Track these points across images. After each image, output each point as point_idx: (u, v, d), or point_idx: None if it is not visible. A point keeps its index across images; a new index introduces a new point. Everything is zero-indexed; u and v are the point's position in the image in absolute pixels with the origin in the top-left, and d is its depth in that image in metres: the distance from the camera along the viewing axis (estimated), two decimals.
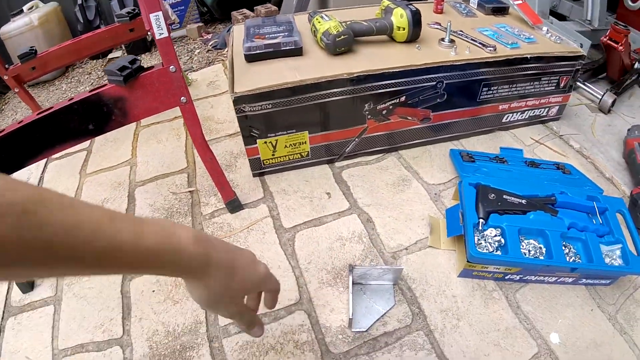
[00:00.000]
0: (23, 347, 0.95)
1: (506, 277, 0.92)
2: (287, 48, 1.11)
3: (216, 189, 1.07)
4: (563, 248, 0.88)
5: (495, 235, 0.89)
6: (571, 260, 0.88)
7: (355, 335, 0.88)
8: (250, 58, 1.11)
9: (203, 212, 1.11)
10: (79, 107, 0.85)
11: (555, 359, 0.84)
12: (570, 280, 0.92)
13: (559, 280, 0.92)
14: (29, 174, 1.34)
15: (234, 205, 1.08)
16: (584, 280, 0.93)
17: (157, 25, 0.80)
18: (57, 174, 1.31)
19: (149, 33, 1.51)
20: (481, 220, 0.90)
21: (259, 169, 1.17)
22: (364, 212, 1.09)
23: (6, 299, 1.02)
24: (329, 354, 0.86)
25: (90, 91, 0.85)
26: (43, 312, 0.99)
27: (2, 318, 0.99)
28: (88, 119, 0.87)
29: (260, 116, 1.04)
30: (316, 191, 1.14)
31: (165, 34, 0.82)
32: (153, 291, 0.97)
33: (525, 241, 0.90)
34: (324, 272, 0.97)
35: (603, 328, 0.89)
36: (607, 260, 0.89)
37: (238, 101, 1.00)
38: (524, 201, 0.93)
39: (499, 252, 0.87)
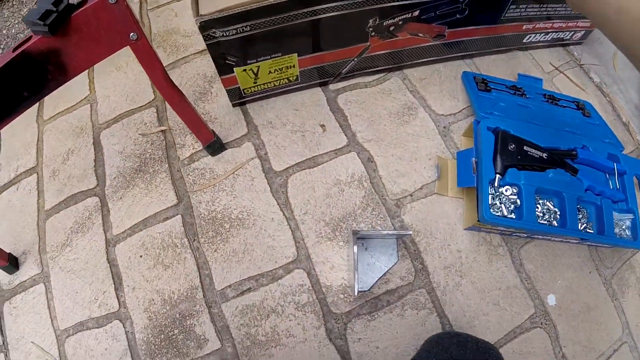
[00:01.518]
0: (26, 331, 1.00)
1: (513, 234, 0.93)
2: None
3: None
4: (577, 212, 0.88)
5: (512, 195, 0.85)
6: (583, 227, 0.89)
7: (358, 294, 0.88)
8: None
9: (180, 156, 1.05)
10: (2, 75, 0.73)
11: (549, 321, 0.90)
12: (576, 241, 0.94)
13: (564, 240, 0.95)
14: None
15: (214, 147, 1.00)
16: (589, 242, 0.94)
17: None
18: (12, 126, 1.22)
19: None
20: (498, 175, 0.85)
21: (239, 98, 1.06)
22: (364, 149, 1.01)
23: None
24: (331, 314, 0.88)
25: (13, 51, 0.72)
26: (35, 291, 1.01)
27: None
28: (19, 87, 0.76)
29: (236, 41, 0.89)
30: (308, 123, 1.05)
31: None
32: (141, 256, 0.97)
33: (541, 201, 0.88)
34: (322, 224, 0.94)
35: (597, 292, 0.93)
36: (615, 229, 0.89)
37: (206, 27, 0.84)
38: (544, 155, 0.88)
39: (512, 216, 0.84)
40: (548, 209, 0.88)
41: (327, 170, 0.98)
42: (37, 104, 1.24)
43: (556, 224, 0.86)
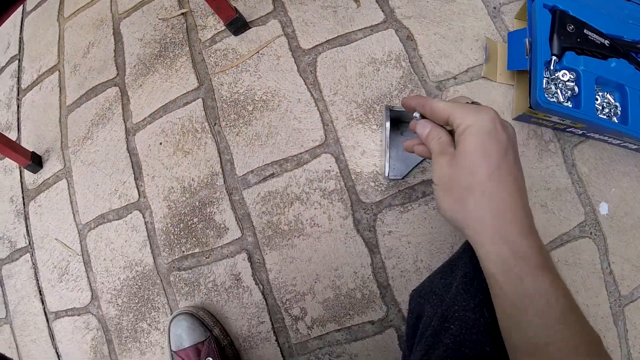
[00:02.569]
0: (50, 229, 1.08)
1: (567, 130, 0.89)
2: None
3: None
4: None
5: (569, 81, 0.81)
6: None
7: (390, 183, 0.87)
8: None
9: (201, 38, 1.06)
10: None
11: (599, 231, 0.86)
12: (635, 147, 0.90)
13: (622, 144, 0.91)
14: (7, 38, 1.34)
15: (237, 25, 1.00)
16: None
17: None
18: (35, 29, 1.31)
19: None
20: (554, 57, 0.81)
21: None
22: (404, 26, 0.97)
23: (21, 184, 1.15)
24: (360, 203, 0.87)
25: None
26: (58, 188, 1.09)
27: (24, 204, 1.13)
28: None
29: None
30: None
31: None
32: (160, 143, 1.00)
33: (600, 94, 0.85)
34: (354, 106, 0.92)
35: None
36: None
37: None
38: (606, 42, 0.84)
39: (569, 104, 0.81)
40: (608, 102, 0.83)
41: (360, 48, 0.95)
42: (57, 3, 1.27)
43: (616, 121, 0.82)
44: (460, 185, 0.42)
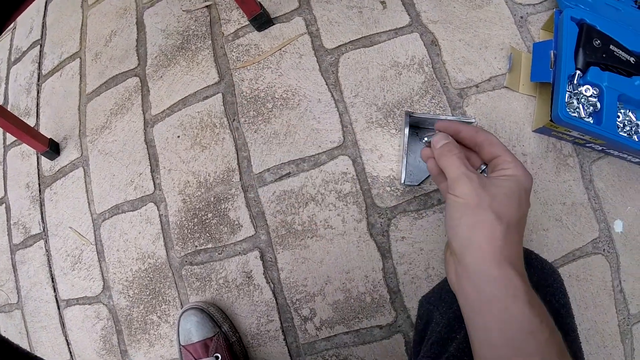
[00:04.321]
0: (64, 217, 1.15)
1: (587, 145, 0.93)
2: None
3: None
4: None
5: (592, 97, 0.85)
6: None
7: (406, 189, 0.91)
8: None
9: (224, 32, 1.11)
10: None
11: (612, 249, 0.89)
12: None
13: None
14: (30, 23, 1.42)
15: (261, 21, 1.05)
16: None
17: None
18: (58, 15, 1.38)
19: None
20: (578, 72, 0.85)
21: None
22: (429, 31, 1.00)
23: (38, 170, 1.22)
24: (375, 207, 0.91)
25: None
26: (74, 176, 1.16)
27: (40, 191, 1.20)
28: None
29: None
30: None
31: None
32: (178, 137, 1.05)
33: (622, 111, 0.88)
34: (374, 109, 0.96)
35: None
36: None
37: None
38: (632, 59, 0.87)
39: (590, 120, 0.85)
40: (630, 120, 0.86)
41: (384, 51, 0.99)
42: None
43: (637, 139, 0.85)
44: (486, 210, 0.45)
